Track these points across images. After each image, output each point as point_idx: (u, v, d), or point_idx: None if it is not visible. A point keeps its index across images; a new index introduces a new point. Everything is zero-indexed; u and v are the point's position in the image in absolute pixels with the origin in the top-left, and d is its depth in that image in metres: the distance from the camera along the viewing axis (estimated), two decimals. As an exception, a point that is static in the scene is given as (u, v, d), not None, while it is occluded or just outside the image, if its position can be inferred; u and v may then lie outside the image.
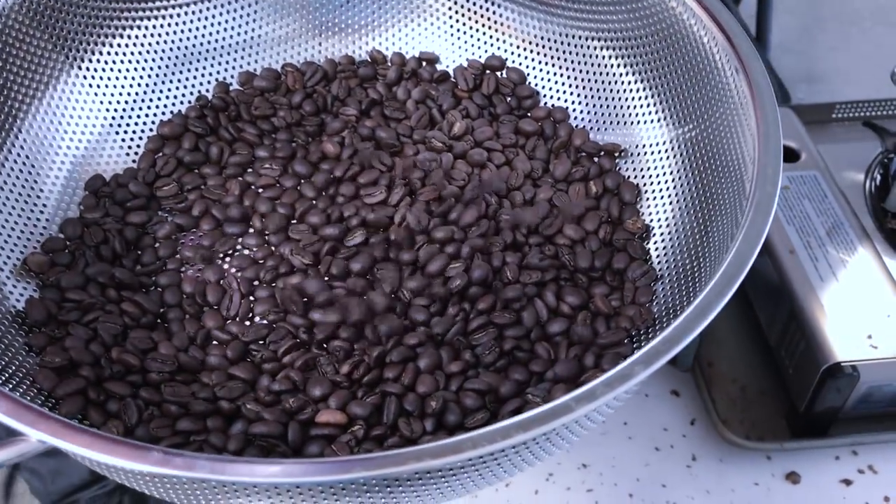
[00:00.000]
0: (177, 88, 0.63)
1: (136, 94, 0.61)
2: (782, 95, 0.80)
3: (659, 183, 0.56)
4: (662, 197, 0.56)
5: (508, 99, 0.63)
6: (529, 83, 0.64)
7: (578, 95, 0.62)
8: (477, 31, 0.65)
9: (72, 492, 1.04)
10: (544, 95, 0.64)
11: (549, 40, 0.63)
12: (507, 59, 0.65)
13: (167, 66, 0.62)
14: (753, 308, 0.64)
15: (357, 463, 0.32)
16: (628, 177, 0.58)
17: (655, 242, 0.54)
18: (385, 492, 0.37)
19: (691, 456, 0.60)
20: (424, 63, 0.65)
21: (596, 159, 0.59)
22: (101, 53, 0.60)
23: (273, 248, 0.54)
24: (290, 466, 0.33)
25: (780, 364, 0.60)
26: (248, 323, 0.51)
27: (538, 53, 0.64)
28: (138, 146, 0.60)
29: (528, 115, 0.62)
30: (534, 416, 0.34)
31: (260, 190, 0.57)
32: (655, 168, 0.57)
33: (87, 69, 0.59)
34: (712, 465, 0.59)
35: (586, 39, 0.61)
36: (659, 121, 0.58)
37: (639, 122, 0.59)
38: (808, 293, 0.58)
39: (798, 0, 0.96)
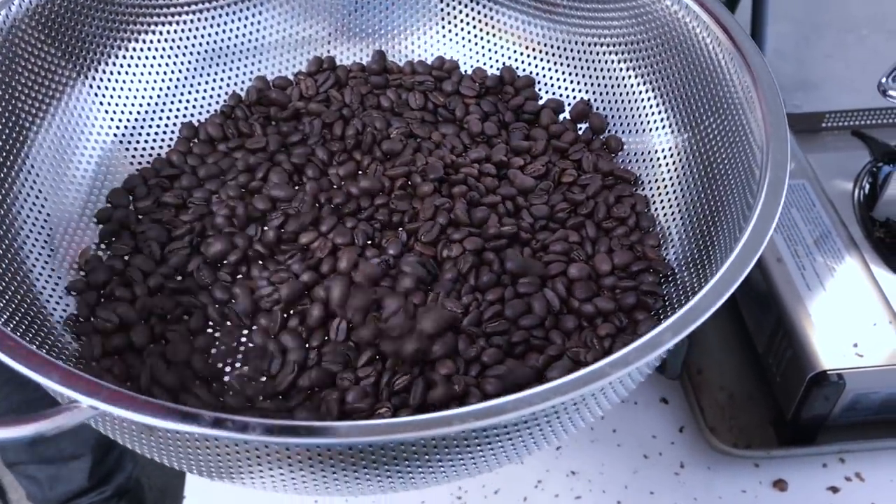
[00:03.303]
0: (187, 101, 0.66)
1: (147, 105, 0.64)
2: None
3: (667, 185, 0.59)
4: (671, 200, 0.59)
5: (513, 103, 0.66)
6: (538, 89, 0.67)
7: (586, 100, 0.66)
8: (484, 38, 0.68)
9: (70, 498, 1.08)
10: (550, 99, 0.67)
11: (554, 46, 0.66)
12: (514, 67, 0.68)
13: (180, 74, 0.65)
14: (742, 316, 0.66)
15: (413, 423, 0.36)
16: (638, 177, 0.61)
17: (666, 238, 0.57)
18: (424, 459, 0.40)
19: (679, 463, 0.62)
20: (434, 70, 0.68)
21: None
22: (109, 65, 0.63)
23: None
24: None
25: (767, 372, 0.63)
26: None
27: (544, 59, 0.67)
28: (150, 156, 0.63)
29: (537, 122, 0.65)
30: (571, 380, 0.37)
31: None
32: (663, 169, 0.60)
33: (97, 80, 0.62)
34: (700, 472, 0.61)
35: (591, 45, 0.64)
36: (664, 121, 0.61)
37: (648, 125, 0.62)
38: (796, 302, 0.60)
39: (794, 7, 0.98)
